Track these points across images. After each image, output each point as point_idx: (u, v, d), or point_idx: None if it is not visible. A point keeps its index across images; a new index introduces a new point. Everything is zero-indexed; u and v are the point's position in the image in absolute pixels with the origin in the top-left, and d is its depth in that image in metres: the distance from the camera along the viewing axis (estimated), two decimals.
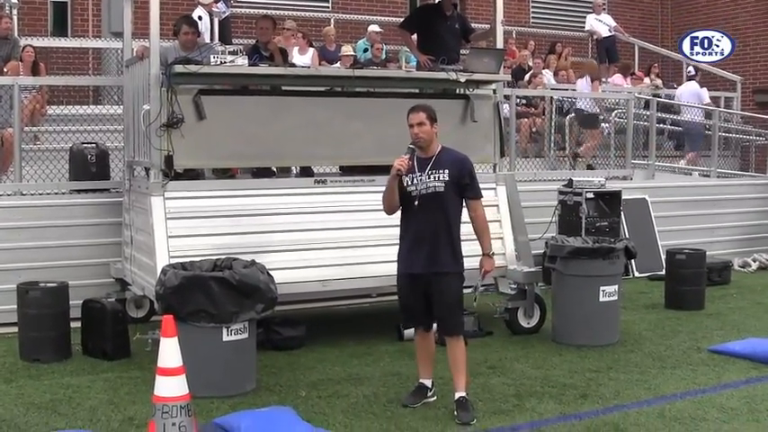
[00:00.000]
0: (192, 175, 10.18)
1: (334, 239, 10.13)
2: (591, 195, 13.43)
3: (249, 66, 10.01)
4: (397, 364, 9.35)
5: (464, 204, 7.89)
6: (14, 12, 16.63)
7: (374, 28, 18.35)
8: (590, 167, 16.18)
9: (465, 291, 7.95)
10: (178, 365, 6.19)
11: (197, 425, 6.36)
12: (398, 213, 7.92)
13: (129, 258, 10.64)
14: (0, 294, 10.66)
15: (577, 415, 7.74)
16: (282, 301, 8.99)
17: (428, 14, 12.30)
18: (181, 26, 11.19)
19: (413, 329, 8.20)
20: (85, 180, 11.78)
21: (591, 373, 9.05)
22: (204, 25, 14.45)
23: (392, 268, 8.06)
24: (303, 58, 16.12)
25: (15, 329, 9.85)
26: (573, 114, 16.67)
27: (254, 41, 11.84)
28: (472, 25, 12.84)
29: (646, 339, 10.57)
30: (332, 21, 20.65)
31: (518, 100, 15.69)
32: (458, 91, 11.36)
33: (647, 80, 20.89)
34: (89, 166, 11.79)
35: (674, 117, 19.28)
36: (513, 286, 10.96)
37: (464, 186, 7.79)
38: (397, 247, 7.97)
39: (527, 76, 18.27)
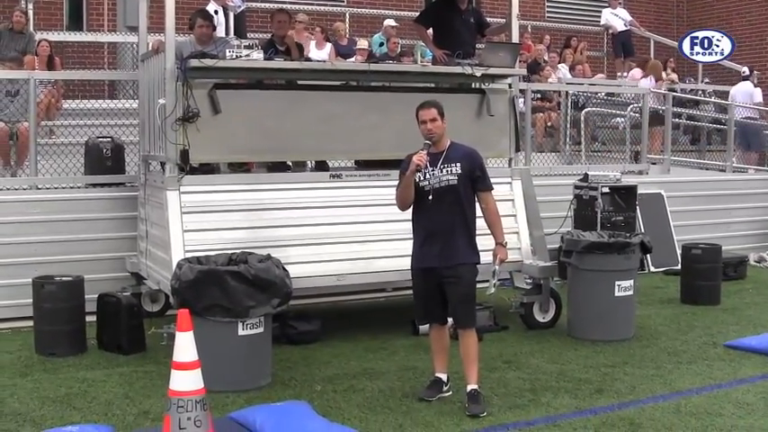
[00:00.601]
0: (208, 169, 10.16)
1: (350, 234, 10.12)
2: (606, 190, 13.41)
3: (264, 60, 10.00)
4: (413, 358, 9.35)
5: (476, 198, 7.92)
6: (30, 6, 16.66)
7: (390, 22, 18.32)
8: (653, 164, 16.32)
9: (479, 285, 7.94)
10: (193, 360, 6.18)
11: (212, 419, 6.36)
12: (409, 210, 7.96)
13: (145, 252, 10.65)
14: (16, 288, 10.71)
15: (592, 410, 7.73)
16: (297, 295, 9.02)
17: (443, 9, 12.27)
18: (196, 19, 11.19)
19: (428, 324, 8.20)
20: (101, 174, 11.79)
21: (606, 368, 9.03)
22: (218, 20, 14.44)
23: (407, 263, 8.06)
24: (321, 53, 16.11)
25: (31, 323, 9.86)
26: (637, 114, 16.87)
27: (270, 36, 11.83)
28: (488, 20, 12.80)
29: (661, 334, 10.55)
30: (347, 15, 20.67)
31: (533, 94, 15.67)
32: (473, 85, 11.34)
33: (663, 75, 20.82)
34: (104, 161, 11.80)
35: (690, 112, 19.26)
36: (528, 281, 10.95)
37: (476, 179, 7.83)
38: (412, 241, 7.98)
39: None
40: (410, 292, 8.31)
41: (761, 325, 11.05)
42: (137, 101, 11.77)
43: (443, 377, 8.04)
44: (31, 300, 9.73)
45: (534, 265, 10.80)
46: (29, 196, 11.37)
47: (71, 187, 11.78)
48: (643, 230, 14.09)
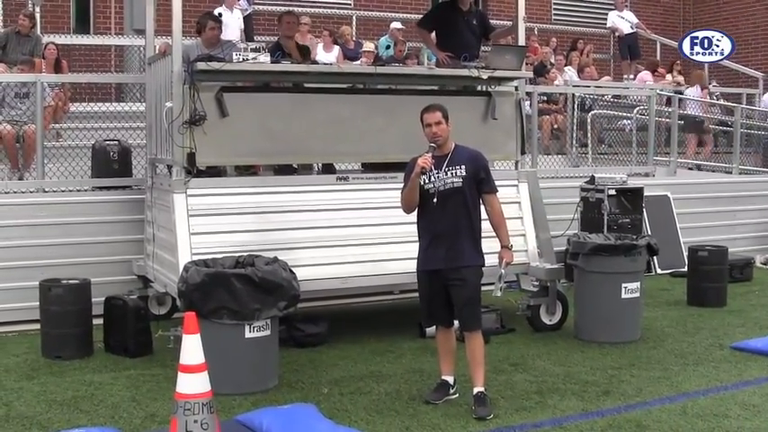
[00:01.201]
0: (215, 172, 10.19)
1: (357, 236, 10.14)
2: (613, 192, 13.39)
3: (271, 63, 10.01)
4: (419, 361, 9.35)
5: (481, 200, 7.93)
6: (37, 9, 16.68)
7: (396, 25, 18.36)
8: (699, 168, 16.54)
9: (484, 287, 7.95)
10: (200, 362, 6.19)
11: (219, 422, 6.37)
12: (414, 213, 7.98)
13: (152, 255, 10.67)
14: (23, 291, 10.71)
15: (599, 412, 7.73)
16: (304, 298, 9.01)
17: (446, 12, 12.27)
18: (206, 22, 11.26)
19: (434, 326, 8.21)
20: (108, 177, 11.83)
21: (613, 370, 9.03)
22: (224, 23, 14.48)
23: (414, 265, 8.08)
24: (329, 56, 16.15)
25: (38, 326, 9.86)
26: (682, 121, 17.04)
27: (277, 38, 11.84)
28: (494, 22, 12.80)
29: (668, 336, 10.55)
30: (354, 18, 20.68)
31: (539, 97, 15.68)
32: (479, 88, 11.35)
33: (668, 77, 20.82)
34: (111, 164, 11.83)
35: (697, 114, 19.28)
36: (535, 283, 10.93)
37: (480, 181, 7.85)
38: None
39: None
40: (417, 294, 8.30)
41: (767, 327, 11.04)
42: (144, 104, 11.78)
43: (450, 380, 8.04)
44: (38, 303, 9.74)
45: (541, 268, 10.80)
46: (36, 199, 11.39)
47: (78, 190, 11.80)
48: (649, 232, 14.10)
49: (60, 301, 9.57)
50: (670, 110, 17.15)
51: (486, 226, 7.93)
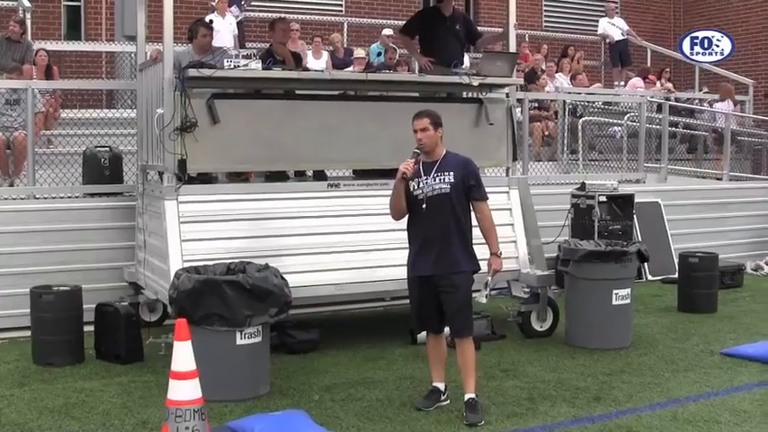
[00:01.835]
0: (206, 178, 10.18)
1: (348, 243, 10.13)
2: (604, 199, 13.38)
3: (263, 69, 10.01)
4: (411, 367, 9.36)
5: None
6: (28, 15, 16.67)
7: (387, 32, 18.37)
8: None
9: (475, 294, 7.95)
10: (191, 369, 6.19)
11: (210, 429, 6.37)
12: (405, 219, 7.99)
13: (143, 262, 10.65)
14: (13, 298, 10.70)
15: (590, 418, 7.74)
16: (296, 304, 9.01)
17: (428, 17, 12.31)
18: (198, 29, 11.26)
19: (425, 333, 8.21)
20: (99, 184, 11.78)
21: (604, 377, 9.05)
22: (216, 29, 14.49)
23: (405, 272, 8.08)
24: (319, 63, 16.16)
25: (29, 333, 9.86)
26: (714, 134, 17.25)
27: (268, 45, 11.85)
28: (484, 29, 12.81)
29: (658, 342, 10.57)
30: (345, 24, 20.70)
31: (530, 103, 15.70)
32: (467, 94, 11.36)
33: (658, 84, 20.87)
34: (102, 170, 11.79)
35: (687, 120, 19.31)
36: (526, 290, 10.95)
37: (469, 188, 7.86)
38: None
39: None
40: (408, 300, 8.31)
41: (757, 333, 11.07)
42: (135, 110, 11.77)
43: (441, 386, 8.05)
44: (29, 310, 9.73)
45: (532, 274, 10.81)
46: (27, 206, 11.36)
47: (69, 197, 11.75)
48: (640, 239, 14.11)
49: (51, 307, 9.55)
50: (660, 117, 17.16)
51: (476, 233, 7.95)
